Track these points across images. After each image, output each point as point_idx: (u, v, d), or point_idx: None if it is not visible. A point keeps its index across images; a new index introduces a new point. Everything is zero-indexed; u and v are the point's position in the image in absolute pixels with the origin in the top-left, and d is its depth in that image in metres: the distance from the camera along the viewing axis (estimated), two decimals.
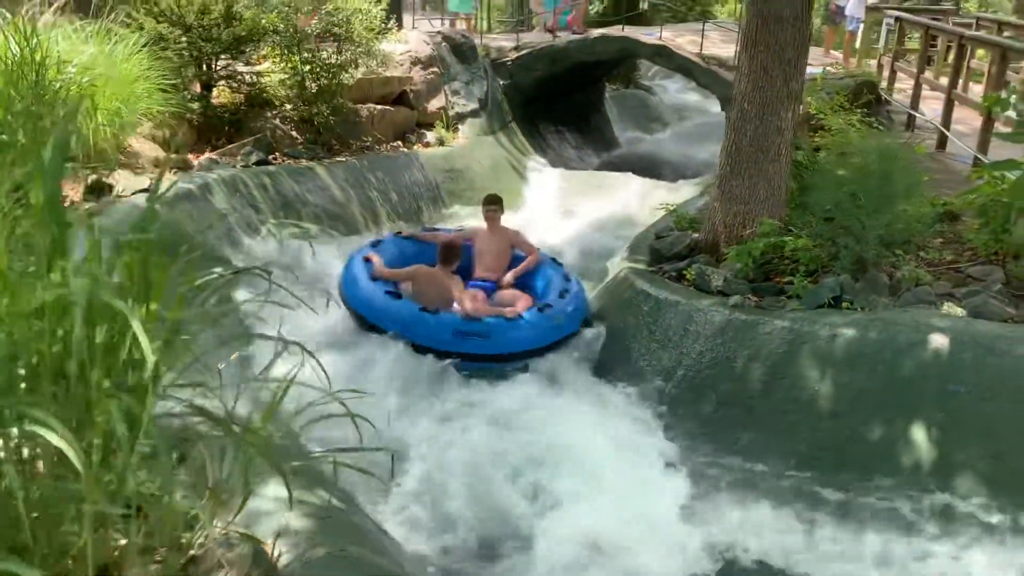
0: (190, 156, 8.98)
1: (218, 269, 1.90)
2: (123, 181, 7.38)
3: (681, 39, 14.36)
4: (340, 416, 2.28)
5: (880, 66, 12.39)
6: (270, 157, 9.58)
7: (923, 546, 4.75)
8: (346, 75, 10.62)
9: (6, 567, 1.44)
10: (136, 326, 1.42)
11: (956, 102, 9.46)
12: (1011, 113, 7.35)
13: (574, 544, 4.77)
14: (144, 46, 7.98)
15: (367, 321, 6.34)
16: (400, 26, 13.29)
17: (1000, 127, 8.61)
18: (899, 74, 11.90)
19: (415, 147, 11.75)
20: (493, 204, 7.39)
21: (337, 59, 10.54)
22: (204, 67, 9.94)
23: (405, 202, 10.67)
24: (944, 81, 11.06)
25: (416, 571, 3.73)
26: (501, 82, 14.27)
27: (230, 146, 9.47)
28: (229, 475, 2.16)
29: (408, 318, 6.14)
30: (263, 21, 10.08)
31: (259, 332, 2.03)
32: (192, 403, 1.80)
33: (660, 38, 14.01)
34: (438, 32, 13.82)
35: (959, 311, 5.39)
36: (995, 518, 4.65)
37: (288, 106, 10.42)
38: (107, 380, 1.57)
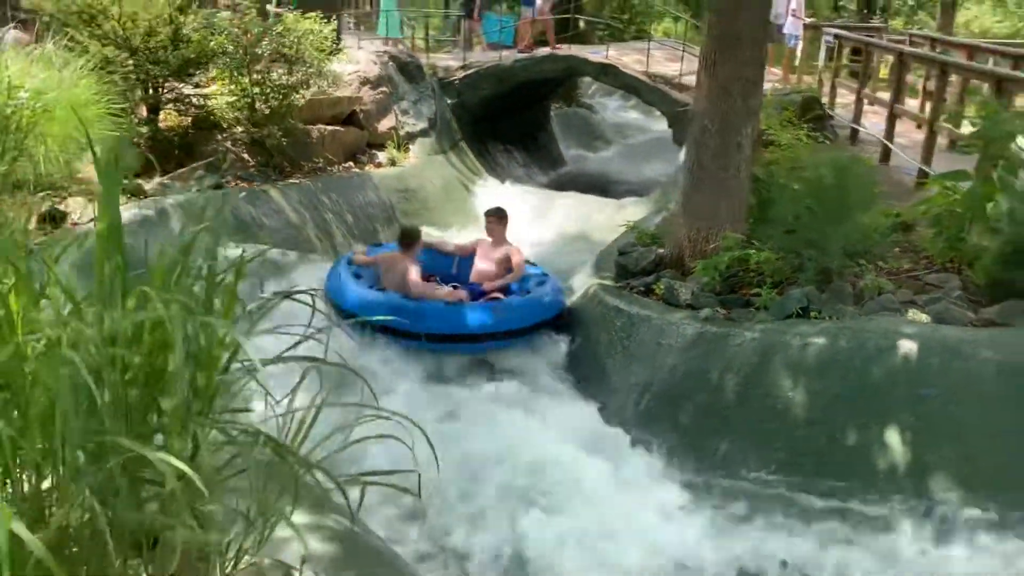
0: (140, 181, 8.76)
1: (266, 294, 1.87)
2: (77, 208, 7.16)
3: (626, 58, 14.62)
4: (371, 438, 2.26)
5: (820, 82, 12.81)
6: (223, 180, 9.42)
7: (901, 547, 4.88)
8: (297, 96, 10.53)
9: None
10: (247, 349, 1.39)
11: (896, 116, 9.82)
12: (965, 127, 7.67)
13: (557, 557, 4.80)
14: (92, 70, 7.78)
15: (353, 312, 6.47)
16: (338, 42, 13.23)
17: (941, 140, 8.97)
18: (839, 89, 12.32)
19: (367, 167, 11.71)
20: (490, 216, 7.73)
21: (288, 80, 10.45)
22: (151, 90, 9.74)
23: (360, 223, 10.60)
24: (881, 95, 11.49)
25: None
26: (449, 101, 14.32)
27: (181, 170, 9.29)
28: (263, 501, 2.12)
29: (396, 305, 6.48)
30: (212, 43, 9.94)
31: (311, 356, 2.01)
32: (249, 428, 1.77)
33: (606, 57, 14.23)
34: (385, 52, 13.79)
35: (923, 317, 5.58)
36: (969, 516, 4.80)
37: (239, 128, 10.27)
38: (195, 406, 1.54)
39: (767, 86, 10.99)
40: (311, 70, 10.64)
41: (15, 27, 8.76)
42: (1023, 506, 4.79)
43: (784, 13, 14.06)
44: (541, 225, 11.48)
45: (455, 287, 7.22)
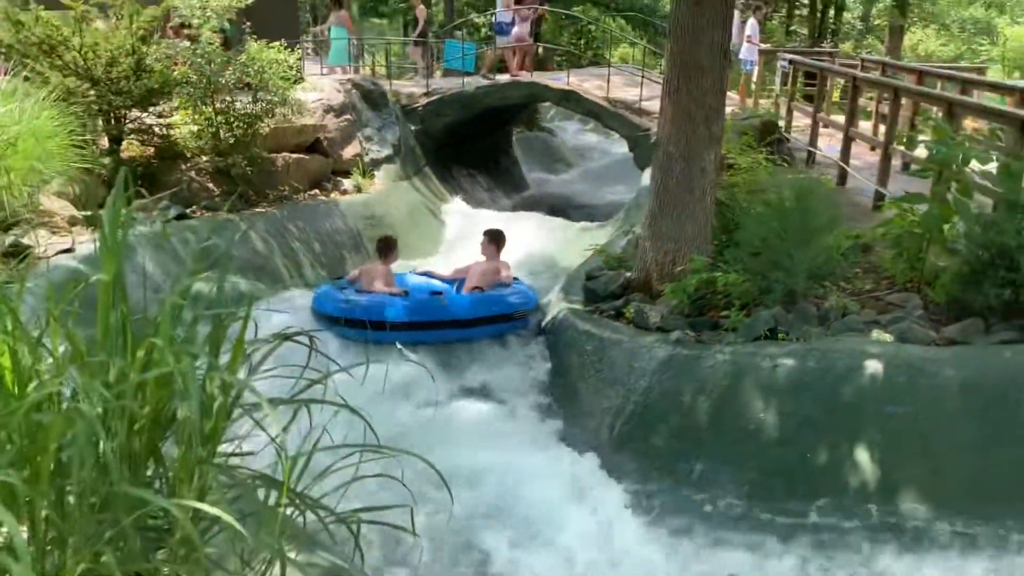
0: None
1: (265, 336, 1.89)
2: (40, 241, 7.05)
3: (587, 83, 14.81)
4: (370, 476, 2.27)
5: (776, 105, 13.12)
6: (188, 210, 9.35)
7: (873, 563, 4.98)
8: (261, 124, 10.50)
9: None
10: (263, 403, 1.41)
11: (852, 139, 10.09)
12: (919, 150, 7.91)
13: None
14: (54, 101, 7.71)
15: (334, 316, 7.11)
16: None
17: (895, 161, 9.24)
18: (795, 112, 12.62)
19: (333, 195, 11.69)
20: (485, 236, 8.58)
21: (252, 108, 10.42)
22: (113, 120, 9.65)
23: (328, 250, 10.57)
24: (835, 118, 11.79)
25: None
26: (413, 128, 14.37)
27: (144, 201, 9.19)
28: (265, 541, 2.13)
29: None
30: (175, 73, 9.89)
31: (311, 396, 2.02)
32: (256, 472, 1.78)
33: (568, 83, 14.42)
34: (348, 80, 13.82)
35: (887, 337, 5.73)
36: (939, 531, 4.93)
37: (203, 157, 10.20)
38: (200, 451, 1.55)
39: (726, 111, 11.25)
40: (275, 98, 10.62)
41: None
42: (990, 520, 4.94)
43: (740, 40, 14.39)
44: (507, 247, 11.52)
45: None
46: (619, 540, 5.31)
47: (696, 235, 7.14)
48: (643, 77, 14.00)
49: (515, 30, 15.32)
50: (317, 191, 11.62)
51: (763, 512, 5.37)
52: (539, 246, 11.80)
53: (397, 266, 8.50)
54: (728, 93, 15.67)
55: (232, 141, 10.20)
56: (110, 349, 1.59)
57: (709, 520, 5.44)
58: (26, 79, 8.26)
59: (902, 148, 8.78)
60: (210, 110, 10.13)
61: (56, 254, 6.84)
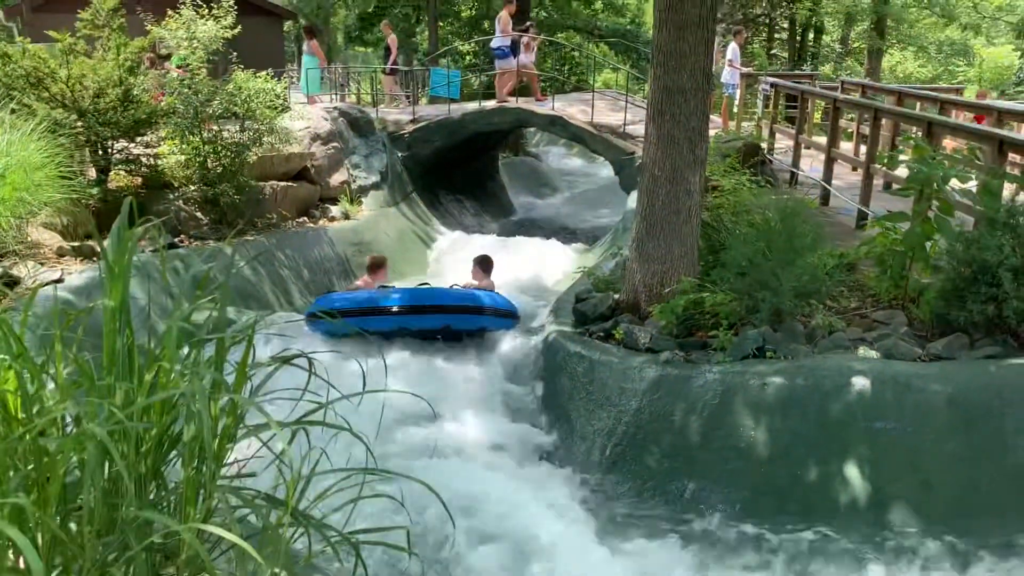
0: (93, 243, 8.66)
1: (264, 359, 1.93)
2: (29, 272, 7.05)
3: (571, 109, 14.97)
4: (369, 496, 2.30)
5: (759, 128, 13.29)
6: (176, 240, 9.37)
7: None
8: (249, 153, 10.55)
9: None
10: (272, 423, 1.45)
11: (834, 160, 10.23)
12: (900, 170, 8.03)
13: None
14: (42, 133, 7.74)
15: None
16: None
17: (876, 181, 9.38)
18: (777, 135, 12.80)
19: (321, 222, 11.74)
20: (474, 261, 9.42)
21: (240, 138, 10.48)
22: (101, 151, 9.68)
23: (316, 277, 10.60)
24: (817, 140, 11.96)
25: None
26: (399, 154, 14.47)
27: (137, 229, 9.18)
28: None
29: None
30: (162, 103, 9.95)
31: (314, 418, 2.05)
32: (259, 492, 1.81)
33: (553, 108, 14.57)
34: (335, 107, 13.92)
35: (874, 354, 5.80)
36: (930, 545, 4.97)
37: (191, 187, 10.24)
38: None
39: (709, 133, 11.40)
40: (262, 127, 10.69)
41: None
42: (979, 532, 4.99)
43: (721, 64, 14.60)
44: (495, 271, 11.58)
45: None
46: (612, 561, 5.30)
47: (683, 256, 7.21)
48: (627, 102, 14.17)
49: (522, 58, 15.52)
50: (305, 218, 11.67)
51: (756, 530, 5.40)
52: (527, 269, 11.86)
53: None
54: (711, 116, 15.90)
55: (220, 170, 10.25)
56: (117, 373, 1.62)
57: (702, 539, 5.46)
58: (12, 111, 8.29)
59: (883, 168, 8.91)
60: (198, 140, 10.18)
61: (45, 285, 6.83)
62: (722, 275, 6.78)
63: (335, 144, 12.87)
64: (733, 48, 15.01)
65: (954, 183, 6.58)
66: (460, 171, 16.02)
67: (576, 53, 25.34)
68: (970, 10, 29.26)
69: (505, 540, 5.35)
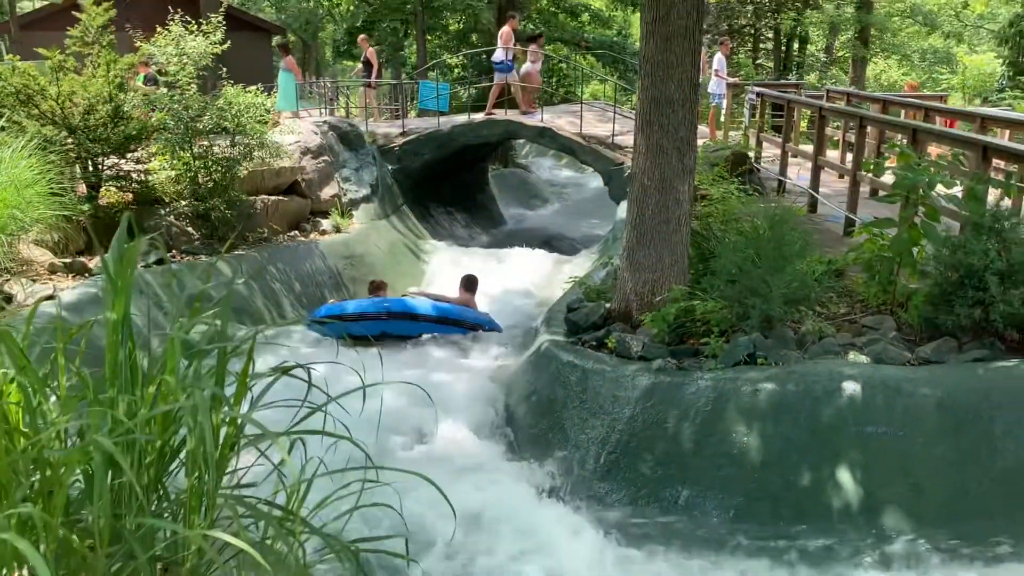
0: (84, 259, 8.67)
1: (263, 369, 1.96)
2: (21, 289, 7.05)
3: (560, 120, 15.06)
4: (369, 505, 2.32)
5: (746, 137, 13.40)
6: (168, 255, 9.37)
7: None
8: (240, 168, 10.57)
9: None
10: (272, 437, 1.48)
11: (821, 167, 10.33)
12: (886, 176, 8.12)
13: None
14: (33, 150, 7.76)
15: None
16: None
17: (863, 188, 9.47)
18: (764, 143, 12.90)
19: (312, 235, 11.76)
20: (460, 281, 10.01)
21: (230, 152, 10.50)
22: (91, 167, 9.69)
23: (308, 290, 10.61)
24: (803, 148, 12.07)
25: None
26: (390, 167, 14.51)
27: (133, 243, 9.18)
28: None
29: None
30: (152, 119, 9.97)
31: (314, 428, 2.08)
32: (259, 500, 1.83)
33: (542, 120, 14.65)
34: (325, 121, 13.97)
35: (863, 359, 5.86)
36: (922, 548, 5.01)
37: (182, 202, 10.25)
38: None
39: (697, 143, 11.49)
40: (252, 142, 10.71)
41: None
42: (971, 535, 5.03)
43: (708, 74, 14.73)
44: (486, 282, 11.63)
45: None
46: (607, 568, 5.32)
47: (673, 265, 7.26)
48: (615, 112, 14.27)
49: (529, 67, 15.65)
50: (296, 232, 11.70)
51: (749, 536, 5.43)
52: (519, 280, 11.90)
53: None
54: (698, 126, 16.02)
55: (211, 185, 10.26)
56: (120, 386, 1.65)
57: (696, 546, 5.48)
58: (3, 129, 8.31)
59: (870, 175, 9.00)
60: (188, 155, 10.20)
61: (37, 301, 6.82)
62: (712, 283, 6.84)
63: (325, 158, 12.91)
64: (719, 58, 15.15)
65: (939, 189, 6.66)
66: (450, 183, 16.08)
67: (564, 65, 25.49)
68: (952, 19, 29.61)
69: (498, 548, 5.37)
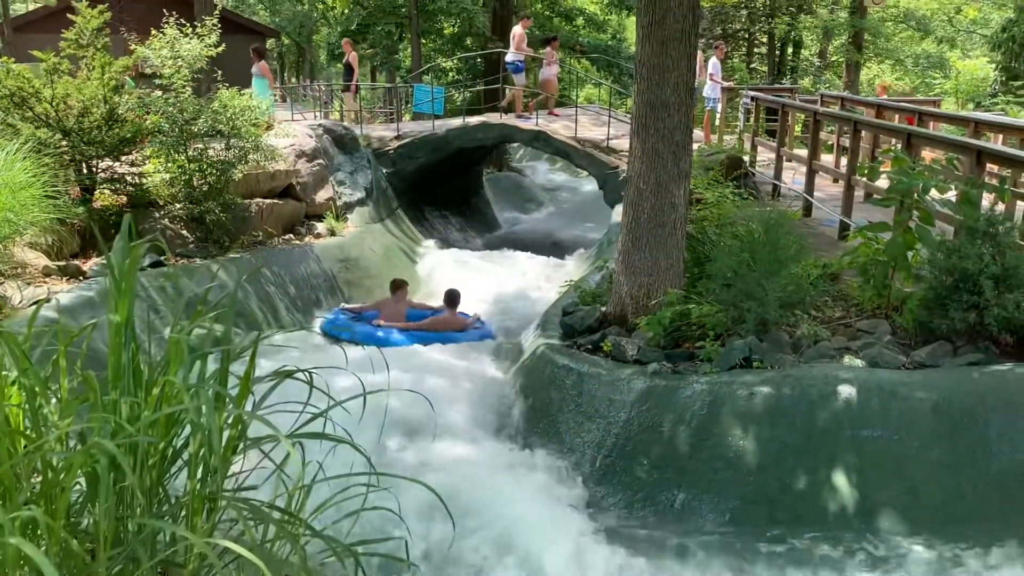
0: (79, 262, 8.64)
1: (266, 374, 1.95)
2: (15, 292, 7.02)
3: (555, 124, 15.08)
4: (369, 509, 2.32)
5: (741, 141, 13.45)
6: (162, 258, 9.34)
7: None
8: (234, 171, 10.56)
9: None
10: (281, 438, 1.48)
11: (815, 171, 10.37)
12: (880, 180, 8.16)
13: None
14: (27, 152, 7.74)
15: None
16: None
17: (857, 192, 9.51)
18: (759, 148, 12.95)
19: (307, 239, 11.75)
20: (444, 297, 10.07)
21: (225, 156, 10.48)
22: (85, 170, 9.66)
23: (303, 294, 10.60)
24: (798, 152, 12.11)
25: None
26: (384, 170, 14.51)
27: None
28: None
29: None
30: (147, 122, 9.95)
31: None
32: (265, 503, 1.83)
33: (537, 124, 14.66)
34: (319, 124, 13.95)
35: (859, 362, 5.88)
36: (918, 549, 5.02)
37: (177, 205, 10.22)
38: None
39: (692, 147, 11.52)
40: (247, 145, 10.70)
41: None
42: (964, 538, 5.04)
43: (705, 78, 14.77)
44: (482, 286, 11.65)
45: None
46: (603, 572, 5.32)
47: (669, 268, 7.28)
48: (610, 116, 14.29)
49: (545, 71, 15.75)
50: (291, 235, 11.68)
51: (746, 539, 5.43)
52: (513, 283, 11.91)
53: None
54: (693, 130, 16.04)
55: (205, 188, 10.24)
56: (123, 388, 1.65)
57: (692, 549, 5.48)
58: None
59: (864, 179, 9.04)
60: (183, 158, 10.18)
61: (32, 304, 6.80)
62: (708, 286, 6.86)
63: (320, 161, 12.90)
64: (714, 62, 15.19)
65: (934, 193, 6.69)
66: (445, 187, 16.08)
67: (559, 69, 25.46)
68: (945, 24, 29.75)
69: (493, 551, 5.36)
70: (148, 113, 10.16)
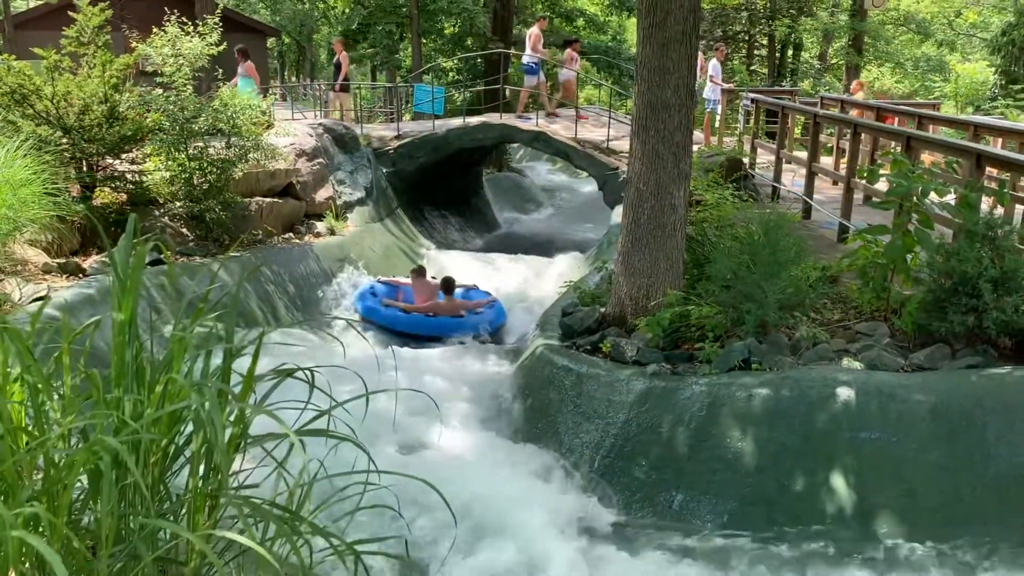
0: (78, 260, 8.64)
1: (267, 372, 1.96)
2: (15, 289, 7.02)
3: (555, 124, 15.08)
4: (370, 507, 2.32)
5: (741, 143, 13.46)
6: (162, 256, 9.34)
7: None
8: (235, 169, 10.56)
9: None
10: (290, 434, 1.48)
11: (815, 174, 10.38)
12: (880, 183, 8.17)
13: None
14: (28, 150, 7.74)
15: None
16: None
17: (857, 195, 9.52)
18: (759, 150, 12.96)
19: (306, 238, 11.75)
20: (441, 283, 10.67)
21: (225, 154, 10.48)
22: (85, 168, 9.66)
23: (302, 292, 10.61)
24: (798, 154, 12.12)
25: None
26: (384, 170, 14.51)
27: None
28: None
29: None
30: (148, 120, 9.95)
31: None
32: (267, 502, 1.84)
33: (537, 124, 14.67)
34: (319, 124, 13.96)
35: (857, 365, 5.89)
36: (916, 551, 5.03)
37: (177, 203, 10.23)
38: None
39: (692, 148, 11.52)
40: (248, 144, 10.70)
41: None
42: (962, 540, 5.06)
43: (703, 79, 14.79)
44: (481, 286, 11.64)
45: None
46: (601, 573, 5.33)
47: (668, 269, 7.28)
48: (610, 117, 14.29)
49: (566, 72, 15.91)
50: (291, 234, 11.68)
51: (744, 540, 5.44)
52: (512, 283, 11.92)
53: None
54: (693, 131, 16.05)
55: (206, 187, 10.24)
56: (126, 386, 1.65)
57: (691, 550, 5.49)
58: None
59: (863, 182, 9.05)
60: (183, 156, 10.18)
61: (32, 301, 6.81)
62: (707, 288, 6.87)
63: (320, 160, 12.90)
64: (714, 64, 15.21)
65: (933, 196, 6.70)
66: (444, 187, 16.08)
67: (558, 70, 25.48)
68: (945, 27, 29.78)
69: (491, 552, 5.37)
70: (149, 111, 10.16)
